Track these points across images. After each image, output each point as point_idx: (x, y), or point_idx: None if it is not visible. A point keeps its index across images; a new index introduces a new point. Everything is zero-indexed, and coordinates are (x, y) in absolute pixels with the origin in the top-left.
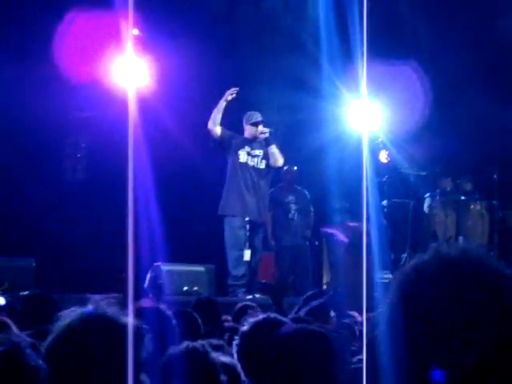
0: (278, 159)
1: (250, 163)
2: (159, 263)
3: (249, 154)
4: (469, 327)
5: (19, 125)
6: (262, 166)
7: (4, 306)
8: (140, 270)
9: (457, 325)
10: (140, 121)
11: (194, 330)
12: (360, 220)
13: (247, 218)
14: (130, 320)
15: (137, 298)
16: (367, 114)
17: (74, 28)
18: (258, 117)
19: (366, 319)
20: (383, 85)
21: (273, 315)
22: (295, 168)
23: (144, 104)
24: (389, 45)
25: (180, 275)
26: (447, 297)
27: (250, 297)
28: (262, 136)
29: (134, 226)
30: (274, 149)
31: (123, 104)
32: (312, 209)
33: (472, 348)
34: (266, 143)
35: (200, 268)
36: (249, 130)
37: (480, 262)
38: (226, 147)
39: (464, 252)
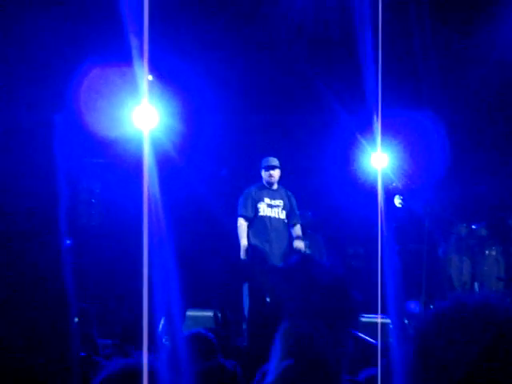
0: (296, 242)
1: (272, 214)
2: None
3: (269, 205)
4: (493, 378)
5: (32, 169)
6: (283, 216)
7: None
8: (155, 315)
9: (481, 376)
10: (155, 165)
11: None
12: (375, 266)
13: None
14: (144, 365)
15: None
16: (380, 160)
17: (88, 74)
18: (267, 162)
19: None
20: (398, 131)
21: None
22: (309, 213)
23: (158, 149)
24: (404, 94)
25: (195, 320)
26: (470, 348)
27: None
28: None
29: (148, 271)
30: (298, 231)
31: (137, 150)
32: (325, 254)
33: None
34: (278, 194)
35: (205, 313)
36: (263, 175)
37: (502, 311)
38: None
39: (485, 301)
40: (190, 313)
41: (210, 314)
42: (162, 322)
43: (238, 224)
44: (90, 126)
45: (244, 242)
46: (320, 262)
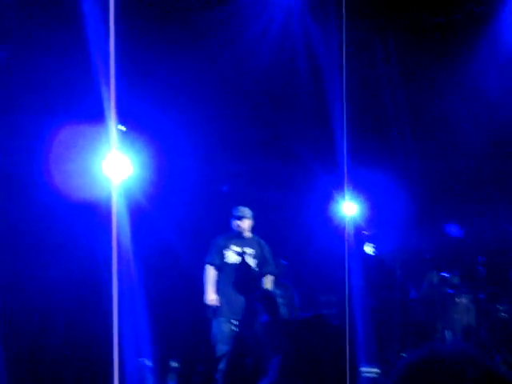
0: (266, 284)
1: (238, 261)
2: (144, 359)
3: (236, 252)
4: None
5: (5, 222)
6: (253, 264)
7: None
8: (124, 366)
9: None
10: (126, 215)
11: None
12: (344, 313)
13: (235, 321)
14: None
15: None
16: (349, 208)
17: (58, 126)
18: (236, 211)
19: None
20: (366, 180)
21: None
22: (283, 262)
23: (129, 198)
24: (372, 142)
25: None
26: None
27: None
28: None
29: (118, 321)
30: (268, 281)
31: (108, 199)
32: (298, 302)
33: None
34: (247, 242)
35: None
36: (232, 224)
37: (475, 361)
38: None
39: (458, 351)
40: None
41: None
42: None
43: (205, 271)
44: (59, 175)
45: (209, 287)
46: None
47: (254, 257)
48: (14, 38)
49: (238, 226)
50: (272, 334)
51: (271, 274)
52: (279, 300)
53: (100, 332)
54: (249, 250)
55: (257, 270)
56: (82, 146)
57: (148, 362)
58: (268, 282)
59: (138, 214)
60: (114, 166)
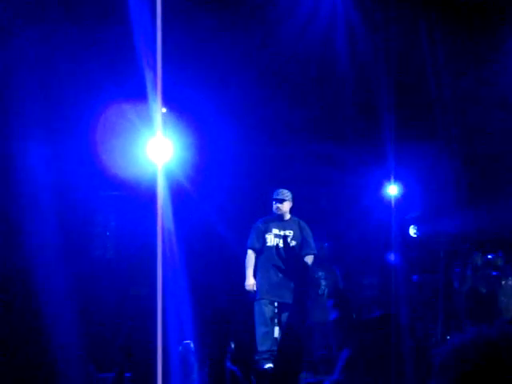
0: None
1: (280, 245)
2: (188, 341)
3: (277, 235)
4: None
5: (48, 202)
6: (293, 244)
7: None
8: (169, 348)
9: None
10: (169, 198)
11: None
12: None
13: (276, 303)
14: None
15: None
16: (394, 190)
17: (105, 110)
18: (276, 194)
19: None
20: (411, 163)
21: None
22: (326, 244)
23: (173, 182)
24: (416, 126)
25: None
26: (491, 378)
27: (271, 365)
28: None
29: (162, 304)
30: (308, 258)
31: (152, 183)
32: (341, 284)
33: None
34: (287, 225)
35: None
36: (273, 207)
37: None
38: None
39: (505, 334)
40: None
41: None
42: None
43: (247, 256)
44: (104, 158)
45: (249, 272)
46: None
47: (295, 239)
48: (56, 14)
49: (278, 208)
50: (342, 331)
51: (311, 254)
52: (322, 282)
53: (144, 315)
54: (289, 232)
55: (297, 251)
56: (126, 127)
57: (192, 345)
58: (308, 262)
59: (181, 196)
60: (157, 149)
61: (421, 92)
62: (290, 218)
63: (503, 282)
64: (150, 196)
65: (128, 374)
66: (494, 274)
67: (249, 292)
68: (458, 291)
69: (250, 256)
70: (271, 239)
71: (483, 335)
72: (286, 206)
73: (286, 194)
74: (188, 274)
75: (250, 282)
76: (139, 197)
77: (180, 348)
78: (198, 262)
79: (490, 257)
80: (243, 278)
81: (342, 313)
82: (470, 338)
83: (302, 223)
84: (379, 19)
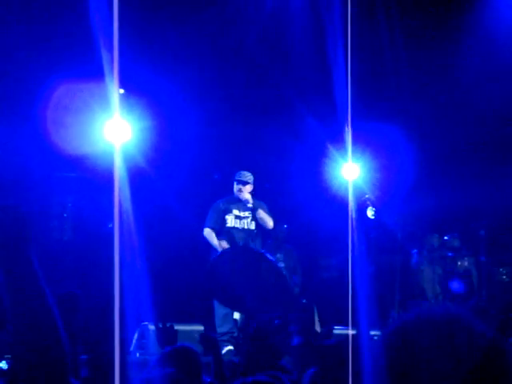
0: (267, 223)
1: (239, 226)
2: (146, 323)
3: (237, 216)
4: None
5: (3, 183)
6: (252, 226)
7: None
8: (126, 330)
9: None
10: (126, 179)
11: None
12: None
13: None
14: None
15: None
16: (351, 171)
17: (59, 88)
18: (239, 176)
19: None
20: (369, 142)
21: None
22: (285, 226)
23: (131, 162)
24: (374, 106)
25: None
26: (428, 357)
27: (231, 348)
28: (242, 198)
29: (120, 285)
30: (260, 214)
31: (109, 163)
32: (299, 266)
33: None
34: (251, 210)
35: (187, 327)
36: (234, 188)
37: (461, 322)
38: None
39: (446, 312)
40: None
41: (188, 327)
42: (136, 336)
43: (205, 233)
44: (61, 139)
45: (216, 242)
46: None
47: (252, 219)
48: None
49: (240, 190)
50: (304, 355)
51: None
52: (280, 264)
53: (101, 296)
54: (248, 213)
55: (256, 231)
56: (83, 108)
57: (151, 326)
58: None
59: (139, 178)
60: (115, 130)
61: (379, 69)
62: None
63: (459, 263)
64: (107, 177)
65: (84, 357)
66: (450, 255)
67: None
68: (415, 272)
69: (211, 233)
70: (231, 220)
71: (426, 313)
72: (247, 189)
73: (249, 176)
74: (146, 256)
75: (224, 245)
76: (96, 178)
77: (138, 330)
78: (157, 243)
79: (446, 238)
80: (201, 258)
81: (304, 339)
82: (413, 316)
83: (261, 203)
84: None
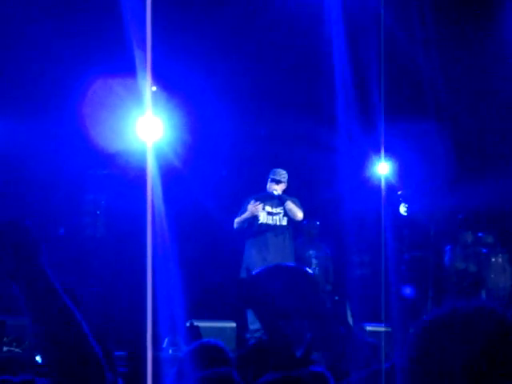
0: (296, 214)
1: (271, 222)
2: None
3: (269, 213)
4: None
5: (39, 180)
6: (284, 222)
7: None
8: (159, 327)
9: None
10: (158, 176)
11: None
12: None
13: None
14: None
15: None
16: (384, 168)
17: (92, 85)
18: (274, 174)
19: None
20: (402, 141)
21: None
22: (317, 223)
23: (163, 160)
24: (407, 103)
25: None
26: (459, 352)
27: None
28: (275, 193)
29: (152, 282)
30: (288, 205)
31: (142, 161)
32: (332, 263)
33: None
34: (280, 202)
35: (220, 324)
36: (268, 185)
37: (494, 316)
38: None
39: (479, 309)
40: (205, 324)
41: (221, 324)
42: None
43: (235, 223)
44: (94, 137)
45: (244, 215)
46: None
47: (284, 215)
48: None
49: (274, 189)
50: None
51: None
52: (313, 260)
53: (134, 295)
54: (280, 209)
55: (288, 228)
56: (116, 105)
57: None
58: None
59: (171, 175)
60: (147, 127)
61: (411, 69)
62: (281, 195)
63: (493, 260)
64: (139, 174)
65: (119, 353)
66: (484, 251)
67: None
68: (448, 269)
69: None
70: (264, 216)
71: (459, 309)
72: (281, 187)
73: (284, 175)
74: (178, 254)
75: (253, 208)
76: (129, 175)
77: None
78: (189, 241)
79: (480, 235)
80: (234, 256)
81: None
82: (446, 311)
83: (294, 199)
84: None
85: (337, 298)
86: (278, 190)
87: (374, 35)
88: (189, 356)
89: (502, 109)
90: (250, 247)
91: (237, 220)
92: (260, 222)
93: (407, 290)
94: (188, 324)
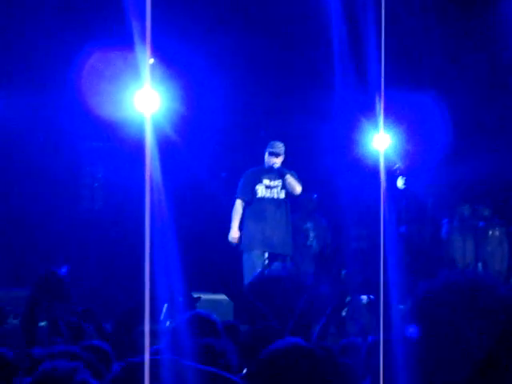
0: (295, 188)
1: (269, 195)
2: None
3: (267, 186)
4: (469, 351)
5: (35, 154)
6: (282, 195)
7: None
8: (157, 300)
9: (461, 350)
10: (156, 149)
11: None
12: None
13: (266, 254)
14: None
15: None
16: (382, 141)
17: (90, 58)
18: (272, 147)
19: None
20: (400, 114)
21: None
22: (314, 196)
23: (160, 132)
24: (406, 76)
25: (198, 305)
26: (453, 321)
27: None
28: (275, 166)
29: (150, 254)
30: (288, 179)
31: (139, 134)
32: (329, 236)
33: (468, 363)
34: (279, 174)
35: (218, 297)
36: (266, 159)
37: (485, 286)
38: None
39: (472, 280)
40: (202, 296)
41: (218, 297)
42: (165, 307)
43: (234, 206)
44: (91, 109)
45: (235, 224)
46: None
47: (282, 187)
48: None
49: (274, 162)
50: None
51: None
52: (310, 233)
53: (132, 269)
54: (278, 182)
55: (286, 200)
56: (114, 77)
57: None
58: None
59: (169, 147)
60: (145, 100)
61: (410, 38)
62: (279, 168)
63: (490, 233)
64: (137, 147)
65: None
66: (481, 224)
67: (240, 243)
68: (445, 242)
69: (238, 207)
70: (262, 190)
71: (450, 280)
72: (280, 160)
73: (282, 147)
74: (176, 227)
75: (235, 235)
76: (126, 148)
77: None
78: (186, 213)
79: (477, 207)
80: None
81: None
82: (439, 283)
83: (291, 171)
84: None
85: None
86: (277, 162)
87: (373, 10)
88: (182, 326)
89: (501, 81)
90: (248, 220)
91: (235, 208)
92: (258, 195)
93: (411, 330)
94: (186, 296)
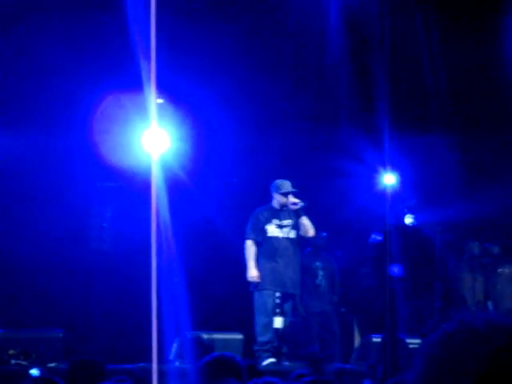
0: (309, 230)
1: (280, 235)
2: (185, 332)
3: (278, 225)
4: None
5: (45, 194)
6: (292, 235)
7: (38, 376)
8: (165, 339)
9: None
10: (164, 189)
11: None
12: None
13: (278, 294)
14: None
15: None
16: (391, 179)
17: (99, 99)
18: (288, 187)
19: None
20: (407, 152)
21: None
22: (324, 234)
23: (169, 172)
24: (414, 116)
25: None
26: (472, 370)
27: (273, 360)
28: (294, 207)
29: (158, 294)
30: (304, 220)
31: (147, 173)
32: (338, 275)
33: None
34: (296, 214)
35: (227, 336)
36: (278, 199)
37: (504, 332)
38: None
39: (488, 322)
40: (207, 335)
41: (228, 336)
42: (175, 345)
43: (246, 246)
44: (100, 151)
45: (251, 263)
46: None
47: (292, 227)
48: (52, 3)
49: (284, 201)
50: None
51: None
52: (319, 272)
53: (140, 308)
54: (288, 222)
55: (296, 240)
56: (122, 118)
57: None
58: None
59: (177, 188)
60: (153, 140)
61: (417, 80)
62: (287, 209)
63: (499, 270)
64: (145, 187)
65: (125, 366)
66: (490, 262)
67: (250, 282)
68: (455, 279)
69: (250, 247)
70: (272, 230)
71: (467, 324)
72: (290, 199)
73: (290, 186)
74: (184, 266)
75: (254, 274)
76: (135, 188)
77: (177, 339)
78: (195, 253)
79: (486, 245)
80: (241, 269)
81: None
82: (454, 326)
83: (298, 210)
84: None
85: (343, 309)
86: (292, 201)
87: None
88: (202, 368)
89: (508, 120)
90: (258, 259)
91: (247, 249)
92: (268, 235)
93: (395, 269)
94: (195, 337)
